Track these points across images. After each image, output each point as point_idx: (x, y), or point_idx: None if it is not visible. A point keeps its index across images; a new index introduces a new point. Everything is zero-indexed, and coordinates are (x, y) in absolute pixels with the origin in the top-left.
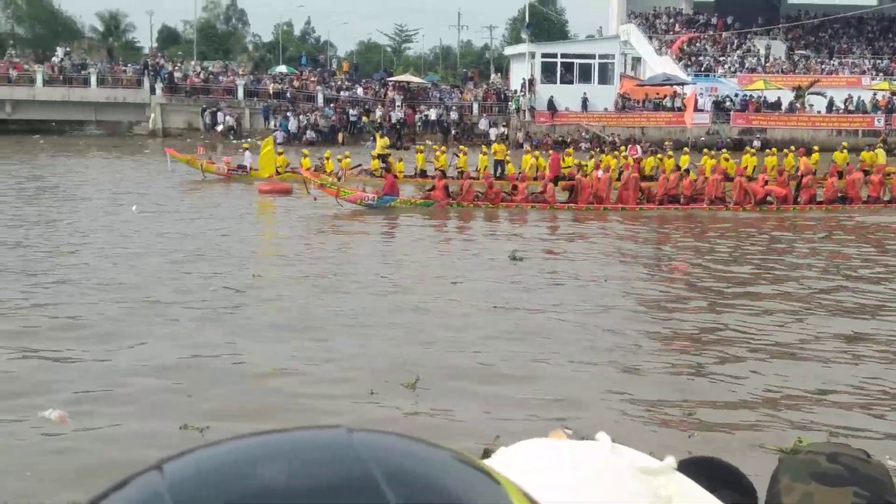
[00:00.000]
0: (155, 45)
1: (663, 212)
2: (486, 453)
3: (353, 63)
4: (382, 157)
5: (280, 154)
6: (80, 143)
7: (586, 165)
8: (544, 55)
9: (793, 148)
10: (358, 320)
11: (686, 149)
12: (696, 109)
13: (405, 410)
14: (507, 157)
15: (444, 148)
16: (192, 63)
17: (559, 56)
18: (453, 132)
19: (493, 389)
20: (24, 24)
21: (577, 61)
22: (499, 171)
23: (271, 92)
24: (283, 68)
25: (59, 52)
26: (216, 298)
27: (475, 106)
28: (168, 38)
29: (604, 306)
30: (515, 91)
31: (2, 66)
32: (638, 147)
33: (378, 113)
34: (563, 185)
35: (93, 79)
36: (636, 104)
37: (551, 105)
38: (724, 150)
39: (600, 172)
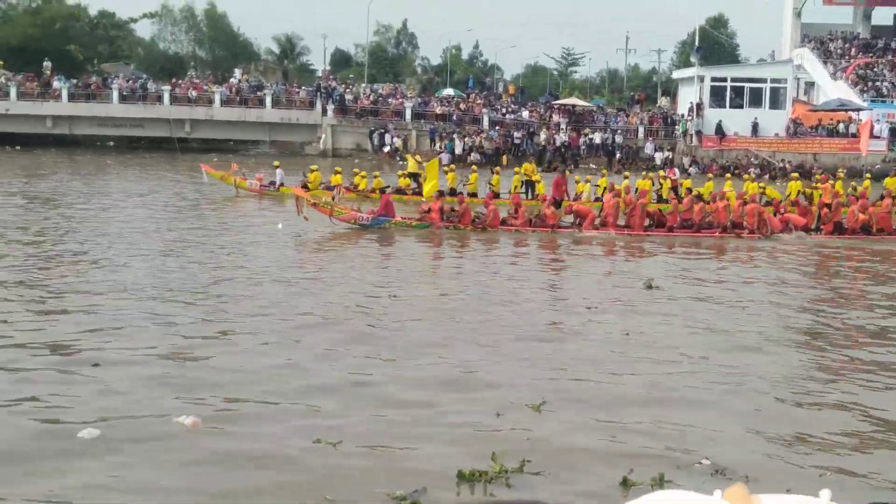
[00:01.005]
0: (328, 67)
1: (671, 238)
2: (626, 483)
3: (520, 86)
4: (413, 176)
5: (315, 170)
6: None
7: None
8: (714, 79)
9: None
10: (493, 341)
11: (868, 175)
12: (872, 136)
13: (529, 436)
14: (538, 177)
15: (474, 167)
16: (363, 85)
17: (729, 80)
18: (618, 156)
19: (621, 414)
20: (204, 46)
21: (747, 85)
22: (529, 192)
23: (438, 114)
24: (450, 91)
25: (237, 73)
26: (355, 318)
27: (641, 130)
28: (340, 60)
29: (747, 333)
30: (683, 115)
31: (183, 87)
32: (676, 170)
33: (542, 136)
34: (566, 208)
35: (268, 100)
36: (809, 130)
37: (719, 129)
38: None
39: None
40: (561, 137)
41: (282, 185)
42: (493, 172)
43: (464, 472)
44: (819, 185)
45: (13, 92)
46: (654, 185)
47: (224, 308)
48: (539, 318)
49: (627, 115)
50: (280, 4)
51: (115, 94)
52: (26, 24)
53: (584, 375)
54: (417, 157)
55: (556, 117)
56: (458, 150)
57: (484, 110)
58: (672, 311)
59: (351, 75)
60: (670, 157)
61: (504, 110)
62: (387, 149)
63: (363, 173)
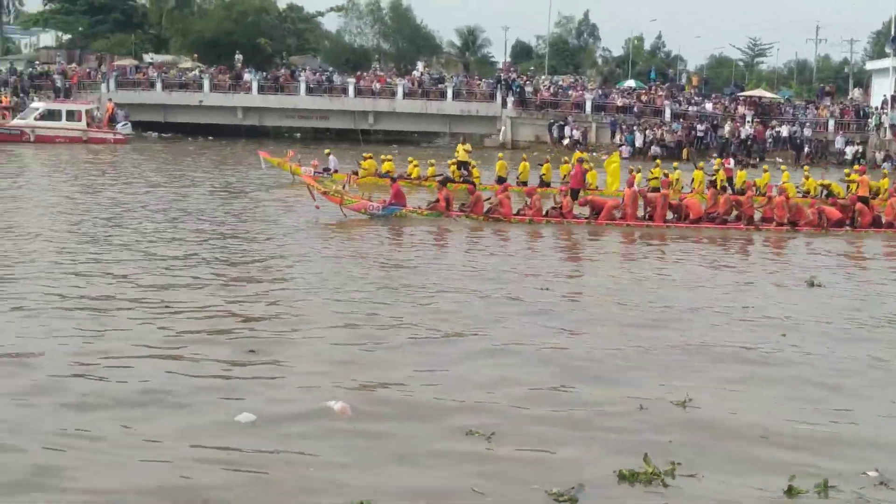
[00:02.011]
0: (508, 59)
1: (692, 231)
2: (792, 491)
3: (703, 77)
4: (463, 164)
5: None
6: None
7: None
8: None
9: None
10: (646, 345)
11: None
12: None
13: (674, 437)
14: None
15: (524, 156)
16: (543, 77)
17: None
18: (806, 150)
19: (776, 416)
20: (389, 39)
21: None
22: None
23: (619, 106)
24: (631, 83)
25: (420, 66)
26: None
27: (831, 123)
28: (521, 52)
29: None
30: (876, 108)
31: (367, 80)
32: (731, 160)
33: (727, 128)
34: (581, 200)
35: (449, 92)
36: None
37: None
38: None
39: (630, 186)
40: (746, 130)
41: (335, 171)
42: (522, 160)
43: (623, 472)
44: (856, 177)
45: (206, 84)
46: (706, 175)
47: (397, 299)
48: (689, 312)
49: (817, 108)
50: None
51: (303, 87)
52: (220, 19)
53: (734, 373)
54: (467, 147)
55: (741, 109)
56: (638, 143)
57: (666, 102)
58: (837, 306)
59: (531, 67)
60: (861, 151)
61: (687, 102)
62: (566, 141)
63: (415, 161)
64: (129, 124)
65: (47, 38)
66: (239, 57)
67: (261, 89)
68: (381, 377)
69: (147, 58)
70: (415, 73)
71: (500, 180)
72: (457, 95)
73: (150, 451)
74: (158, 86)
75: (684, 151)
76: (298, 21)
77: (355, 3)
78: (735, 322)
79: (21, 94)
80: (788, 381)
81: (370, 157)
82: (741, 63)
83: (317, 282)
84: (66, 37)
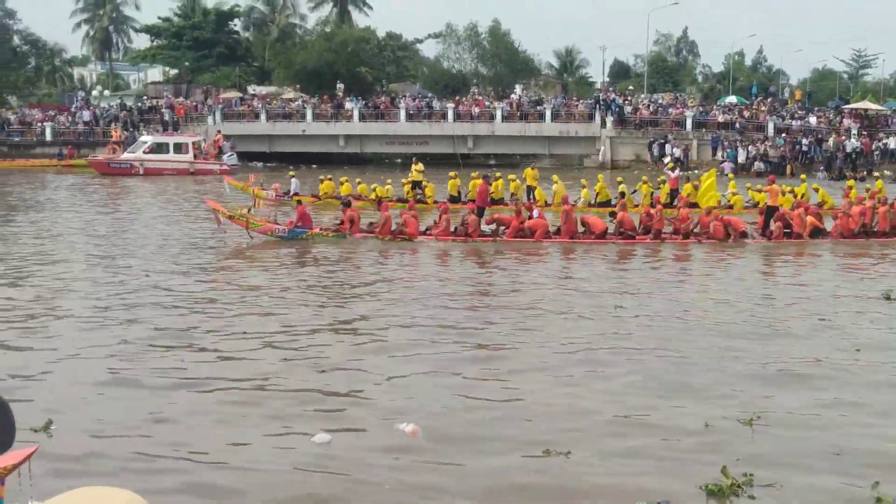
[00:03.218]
0: (606, 79)
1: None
2: (881, 502)
3: (806, 91)
4: (416, 184)
5: (328, 179)
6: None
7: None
8: None
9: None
10: (714, 354)
11: None
12: None
13: (738, 455)
14: (535, 184)
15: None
16: (642, 96)
17: None
18: None
19: (845, 433)
20: (486, 63)
21: None
22: (531, 197)
23: (720, 122)
24: (732, 98)
25: (518, 89)
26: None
27: None
28: (619, 71)
29: None
30: None
31: (466, 104)
32: (678, 170)
33: (831, 142)
34: (488, 218)
35: (547, 113)
36: None
37: None
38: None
39: (535, 213)
40: (852, 143)
41: (296, 194)
42: (472, 178)
43: (710, 487)
44: (764, 187)
45: (309, 114)
46: (654, 188)
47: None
48: (756, 325)
49: None
50: (559, 19)
51: (403, 113)
52: (321, 49)
53: (805, 388)
54: (420, 167)
55: (846, 122)
56: (741, 159)
57: (769, 117)
58: None
59: (630, 86)
60: None
61: (790, 117)
62: (667, 159)
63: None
64: (235, 155)
65: (155, 73)
66: (340, 86)
67: (362, 117)
68: (448, 399)
69: (251, 89)
70: (513, 95)
71: (453, 199)
72: (555, 117)
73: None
74: (263, 117)
75: (788, 167)
76: (398, 49)
77: (453, 30)
78: (804, 335)
79: (131, 129)
80: (862, 396)
81: (329, 179)
82: (845, 75)
83: (401, 310)
84: (173, 72)
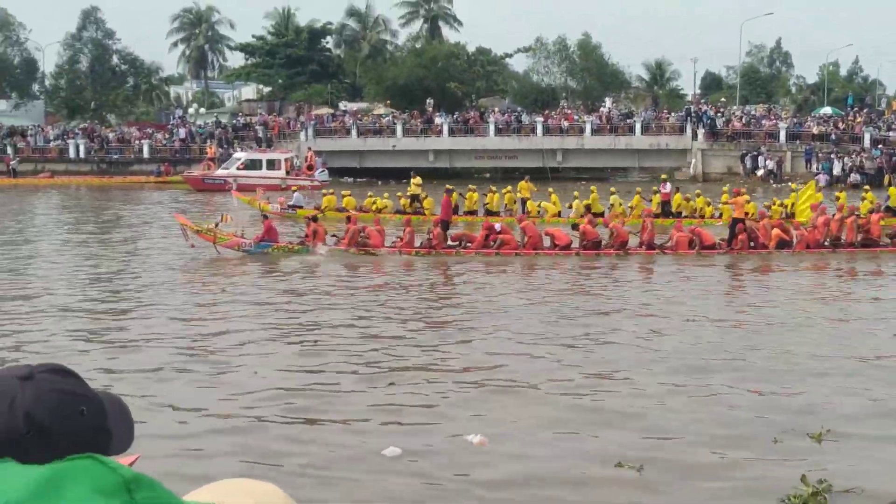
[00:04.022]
0: (698, 91)
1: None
2: None
3: None
4: (415, 197)
5: (331, 193)
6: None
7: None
8: None
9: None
10: (767, 365)
11: None
12: None
13: (812, 468)
14: (529, 196)
15: (472, 187)
16: (734, 107)
17: None
18: None
19: None
20: (576, 76)
21: None
22: (524, 210)
23: (814, 134)
24: (827, 110)
25: (607, 102)
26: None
27: None
28: (711, 83)
29: None
30: None
31: (555, 118)
32: (668, 184)
33: None
34: (453, 235)
35: (637, 126)
36: None
37: None
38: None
39: (498, 226)
40: None
41: (300, 207)
42: (469, 190)
43: (791, 498)
44: (730, 199)
45: (399, 129)
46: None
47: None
48: (828, 342)
49: None
50: (650, 31)
51: (492, 128)
52: (411, 65)
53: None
54: (418, 181)
55: None
56: (836, 171)
57: (864, 128)
58: None
59: (722, 98)
60: None
61: (887, 128)
62: (760, 172)
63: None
64: (326, 171)
65: (249, 91)
66: (430, 101)
67: (451, 132)
68: (512, 409)
69: (342, 106)
70: (603, 109)
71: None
72: (646, 129)
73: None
74: (354, 132)
75: (886, 178)
76: (487, 64)
77: (543, 44)
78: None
79: (225, 146)
80: None
81: (331, 193)
82: None
83: (454, 320)
84: (267, 89)
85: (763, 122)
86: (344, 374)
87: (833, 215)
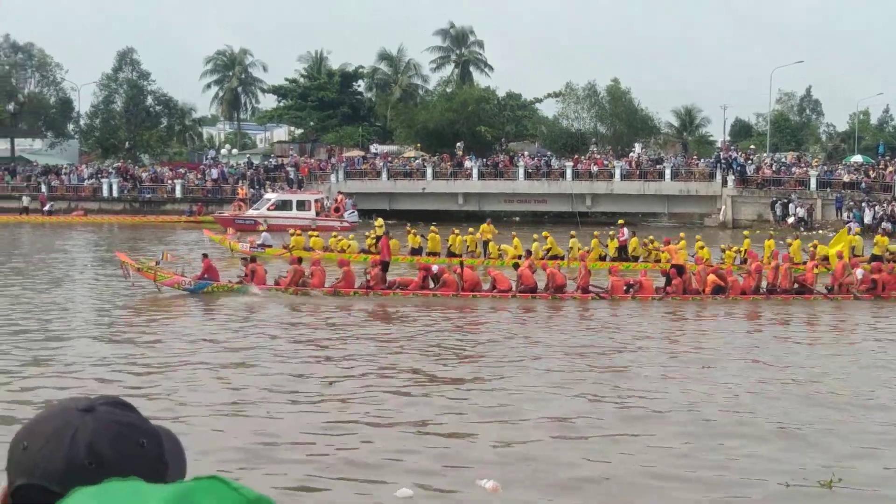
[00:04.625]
0: (727, 138)
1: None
2: None
3: None
4: (378, 238)
5: (299, 234)
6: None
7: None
8: None
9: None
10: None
11: None
12: None
13: None
14: (490, 238)
15: (434, 228)
16: (764, 155)
17: None
18: None
19: None
20: (605, 122)
21: None
22: (485, 251)
23: (845, 182)
24: (858, 158)
25: (637, 147)
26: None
27: None
28: (741, 130)
29: None
30: None
31: (585, 163)
32: (625, 230)
33: None
34: (391, 281)
35: (667, 172)
36: None
37: None
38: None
39: (435, 268)
40: None
41: (269, 246)
42: (452, 233)
43: None
44: (664, 247)
45: (429, 172)
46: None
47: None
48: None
49: None
50: (680, 77)
51: (521, 171)
52: (442, 109)
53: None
54: (380, 222)
55: None
56: (867, 219)
57: None
58: None
59: (752, 145)
60: None
61: None
62: (790, 219)
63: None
64: (356, 212)
65: (281, 132)
66: (460, 145)
67: (481, 175)
68: (523, 449)
69: (373, 148)
70: (632, 154)
71: (414, 251)
72: (675, 175)
73: None
74: (384, 175)
75: None
76: (517, 108)
77: (573, 89)
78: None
79: (257, 186)
80: None
81: (299, 234)
82: None
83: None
84: (299, 131)
85: (793, 169)
86: (358, 416)
87: (771, 262)
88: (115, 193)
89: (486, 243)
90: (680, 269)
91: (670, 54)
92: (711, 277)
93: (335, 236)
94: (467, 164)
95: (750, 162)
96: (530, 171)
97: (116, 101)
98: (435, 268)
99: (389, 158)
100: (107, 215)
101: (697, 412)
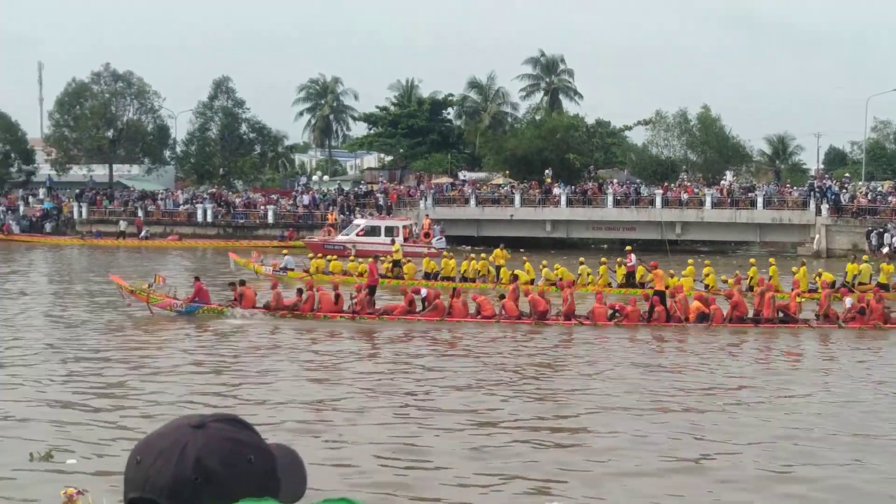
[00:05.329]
0: (821, 166)
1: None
2: None
3: None
4: (396, 263)
5: (319, 257)
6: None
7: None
8: None
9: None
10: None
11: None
12: None
13: None
14: (503, 263)
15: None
16: (860, 183)
17: None
18: None
19: None
20: (696, 149)
21: None
22: (497, 276)
23: None
24: None
25: (728, 175)
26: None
27: None
28: (835, 159)
29: None
30: None
31: (675, 190)
32: (633, 255)
33: None
34: (378, 309)
35: (759, 200)
36: None
37: None
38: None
39: (423, 291)
40: None
41: (291, 269)
42: (467, 258)
43: None
44: (651, 272)
45: (517, 199)
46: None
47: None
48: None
49: None
50: (772, 105)
51: (610, 199)
52: (531, 136)
53: None
54: (396, 246)
55: None
56: None
57: None
58: None
59: (846, 174)
60: None
61: None
62: (885, 249)
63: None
64: (444, 238)
65: (371, 159)
66: (548, 172)
67: (569, 202)
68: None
69: (462, 175)
70: (723, 182)
71: (427, 276)
72: (767, 204)
73: None
74: (472, 201)
75: None
76: (606, 136)
77: (662, 116)
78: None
79: (346, 212)
80: None
81: (320, 257)
82: None
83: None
84: (388, 158)
85: (889, 198)
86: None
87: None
88: (209, 218)
89: (498, 268)
90: (662, 296)
91: (762, 81)
92: (695, 304)
93: (353, 260)
94: (556, 191)
95: (845, 190)
96: (619, 198)
97: (212, 128)
98: (423, 291)
99: (478, 185)
100: (200, 240)
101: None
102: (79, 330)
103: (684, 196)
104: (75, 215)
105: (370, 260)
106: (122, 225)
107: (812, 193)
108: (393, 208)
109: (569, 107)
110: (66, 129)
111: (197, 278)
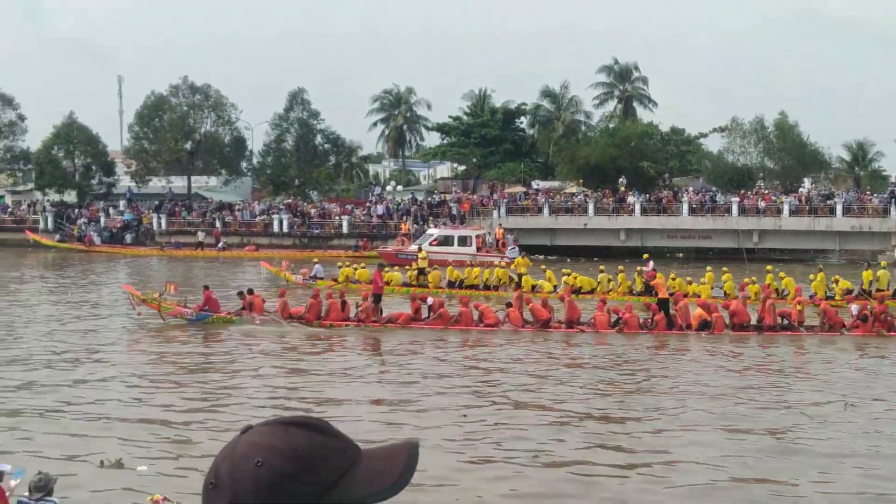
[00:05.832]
0: None
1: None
2: None
3: None
4: (421, 271)
5: (348, 266)
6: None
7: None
8: None
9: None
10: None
11: None
12: None
13: None
14: (525, 271)
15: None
16: None
17: None
18: None
19: None
20: (773, 156)
21: None
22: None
23: None
24: None
25: (807, 182)
26: None
27: None
28: None
29: None
30: None
31: (752, 199)
32: (651, 263)
33: None
34: (383, 318)
35: (838, 208)
36: None
37: None
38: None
39: (430, 300)
40: None
41: (320, 278)
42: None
43: None
44: (651, 281)
45: (591, 208)
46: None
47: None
48: None
49: None
50: (850, 110)
51: (685, 207)
52: (604, 145)
53: None
54: (423, 254)
55: None
56: None
57: None
58: None
59: None
60: None
61: None
62: None
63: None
64: (517, 248)
65: (444, 169)
66: (622, 180)
67: (643, 211)
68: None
69: (535, 184)
70: (801, 189)
71: (451, 284)
72: (847, 211)
73: None
74: (546, 211)
75: None
76: (681, 143)
77: (739, 123)
78: None
79: (420, 222)
80: None
81: (348, 266)
82: None
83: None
84: (462, 168)
85: None
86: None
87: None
88: (285, 229)
89: (520, 276)
90: (663, 305)
91: (840, 87)
92: (698, 311)
93: (430, 269)
94: (630, 199)
95: None
96: (694, 206)
97: (287, 139)
98: (430, 300)
99: (551, 194)
100: (277, 250)
101: None
102: (153, 339)
103: (761, 204)
104: (154, 226)
105: (374, 268)
106: (201, 236)
107: (893, 201)
108: (466, 218)
109: (643, 114)
110: (146, 142)
111: (206, 287)
